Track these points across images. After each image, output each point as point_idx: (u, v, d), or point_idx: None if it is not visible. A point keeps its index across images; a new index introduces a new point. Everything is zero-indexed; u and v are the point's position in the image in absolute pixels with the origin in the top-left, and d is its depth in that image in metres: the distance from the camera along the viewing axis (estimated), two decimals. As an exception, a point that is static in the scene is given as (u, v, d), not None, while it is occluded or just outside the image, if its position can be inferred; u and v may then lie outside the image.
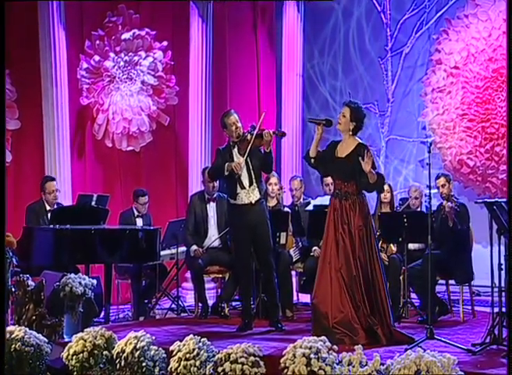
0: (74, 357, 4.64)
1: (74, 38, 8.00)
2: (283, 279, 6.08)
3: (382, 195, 6.43)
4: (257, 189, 5.51)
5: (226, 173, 5.48)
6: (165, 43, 8.22)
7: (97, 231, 6.18)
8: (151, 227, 6.71)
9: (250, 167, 5.50)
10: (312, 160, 5.22)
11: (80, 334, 4.76)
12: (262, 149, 5.47)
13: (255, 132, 5.44)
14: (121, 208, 7.29)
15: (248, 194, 5.50)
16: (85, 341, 4.67)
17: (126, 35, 8.10)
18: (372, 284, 4.95)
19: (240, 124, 5.55)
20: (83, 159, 8.11)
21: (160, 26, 8.25)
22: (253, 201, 5.50)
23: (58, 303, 5.37)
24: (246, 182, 5.50)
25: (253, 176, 5.50)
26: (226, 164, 5.47)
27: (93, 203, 6.80)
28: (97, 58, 8.06)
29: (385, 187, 6.40)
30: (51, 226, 6.32)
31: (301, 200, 6.87)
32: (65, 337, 5.29)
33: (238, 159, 5.50)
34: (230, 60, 8.59)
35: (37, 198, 6.80)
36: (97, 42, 8.08)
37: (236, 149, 5.55)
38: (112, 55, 8.08)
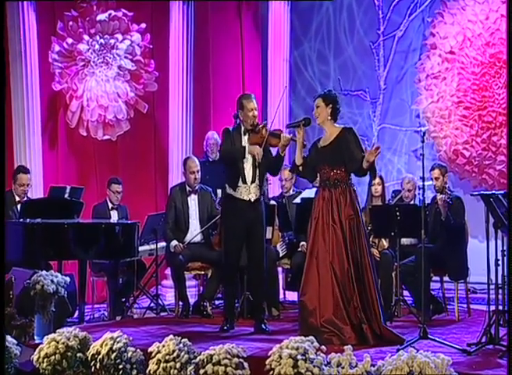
0: (45, 360, 4.62)
1: (45, 19, 7.94)
2: (269, 276, 6.06)
3: (373, 188, 6.43)
4: (258, 187, 5.47)
5: (247, 156, 5.39)
6: (143, 25, 8.17)
7: (71, 225, 6.13)
8: (129, 221, 6.68)
9: (257, 164, 5.45)
10: (300, 168, 5.22)
11: (51, 335, 4.75)
12: (276, 151, 5.43)
13: (270, 129, 5.38)
14: (96, 201, 7.25)
15: (248, 191, 5.46)
16: (57, 342, 4.65)
17: (102, 16, 8.04)
18: (362, 279, 4.95)
19: (257, 113, 5.50)
20: (55, 149, 8.07)
21: (138, 7, 8.19)
22: (252, 199, 5.46)
23: (28, 302, 5.34)
24: (248, 178, 5.45)
25: (257, 174, 5.46)
26: (249, 147, 5.38)
27: (66, 196, 6.75)
28: (70, 40, 8.00)
29: (376, 179, 6.41)
30: (21, 220, 6.27)
31: (291, 191, 6.86)
32: (35, 338, 5.26)
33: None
34: (213, 44, 8.54)
35: (6, 189, 6.73)
36: (70, 23, 8.01)
37: (246, 137, 5.47)
38: (86, 37, 8.01)
